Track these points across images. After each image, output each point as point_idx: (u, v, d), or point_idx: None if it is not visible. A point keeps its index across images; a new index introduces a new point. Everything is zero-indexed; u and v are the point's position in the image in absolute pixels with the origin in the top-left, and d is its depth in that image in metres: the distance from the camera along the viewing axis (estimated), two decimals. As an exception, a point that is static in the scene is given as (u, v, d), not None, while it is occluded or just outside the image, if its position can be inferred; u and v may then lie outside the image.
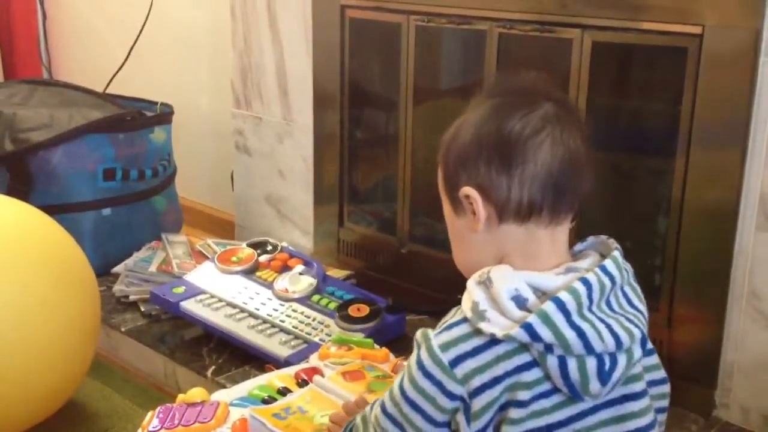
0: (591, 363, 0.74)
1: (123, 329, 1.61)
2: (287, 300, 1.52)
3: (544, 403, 0.75)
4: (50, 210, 1.45)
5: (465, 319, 0.76)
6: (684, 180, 1.29)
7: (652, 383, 0.82)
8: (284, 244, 1.69)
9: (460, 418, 0.76)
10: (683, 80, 1.27)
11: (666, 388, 0.85)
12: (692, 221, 1.29)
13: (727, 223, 1.25)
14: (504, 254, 0.79)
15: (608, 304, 0.77)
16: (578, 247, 0.82)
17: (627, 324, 0.76)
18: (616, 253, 0.80)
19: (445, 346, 0.75)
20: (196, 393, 1.06)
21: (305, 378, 1.08)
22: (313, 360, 1.15)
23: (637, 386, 0.78)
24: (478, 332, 0.74)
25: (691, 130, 1.27)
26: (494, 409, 0.75)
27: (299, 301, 1.52)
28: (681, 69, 1.27)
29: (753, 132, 1.22)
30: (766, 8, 1.17)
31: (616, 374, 0.75)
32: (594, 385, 0.74)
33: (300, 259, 1.62)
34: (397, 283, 1.70)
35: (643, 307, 0.80)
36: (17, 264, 1.27)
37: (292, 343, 1.41)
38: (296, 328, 1.45)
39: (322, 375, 1.08)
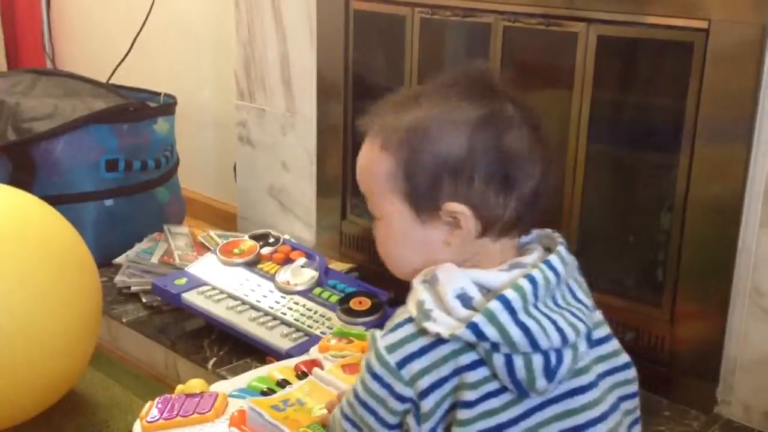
0: (537, 360, 0.73)
1: (124, 320, 1.61)
2: (289, 292, 1.52)
3: (494, 403, 0.74)
4: (52, 200, 1.45)
5: (410, 319, 0.75)
6: (688, 175, 1.29)
7: (613, 371, 0.81)
8: (286, 236, 1.69)
9: (410, 419, 0.75)
10: (689, 75, 1.26)
11: (630, 374, 0.83)
12: (696, 217, 1.29)
13: (731, 218, 1.25)
14: (462, 261, 0.78)
15: (553, 299, 0.76)
16: (524, 239, 0.82)
17: (572, 319, 0.76)
18: (561, 248, 0.79)
19: (392, 348, 0.75)
20: (195, 384, 1.06)
21: (305, 370, 1.08)
22: (313, 352, 1.15)
23: (585, 379, 0.78)
24: (423, 332, 0.74)
25: (696, 125, 1.26)
26: (443, 409, 0.75)
27: (301, 293, 1.52)
28: (686, 64, 1.26)
29: (758, 127, 1.21)
30: (772, 3, 1.16)
31: (562, 370, 0.74)
32: (540, 382, 0.74)
33: (302, 252, 1.62)
34: (398, 278, 1.70)
35: (588, 301, 0.80)
36: (19, 254, 1.27)
37: (294, 336, 1.41)
38: (297, 320, 1.45)
39: (322, 367, 1.08)
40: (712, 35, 1.22)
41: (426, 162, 0.76)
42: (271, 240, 1.67)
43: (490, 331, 0.72)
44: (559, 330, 0.74)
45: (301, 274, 1.55)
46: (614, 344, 0.82)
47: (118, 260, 1.78)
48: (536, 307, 0.74)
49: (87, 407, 1.43)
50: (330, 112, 1.79)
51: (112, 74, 2.27)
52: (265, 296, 1.52)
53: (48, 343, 1.28)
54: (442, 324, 0.73)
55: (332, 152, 1.81)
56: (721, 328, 1.28)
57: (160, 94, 2.00)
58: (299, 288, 1.52)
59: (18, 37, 2.71)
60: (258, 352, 1.42)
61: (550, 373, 0.74)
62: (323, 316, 1.46)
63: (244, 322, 1.45)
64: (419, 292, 0.76)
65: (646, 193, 1.42)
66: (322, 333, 1.39)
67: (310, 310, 1.48)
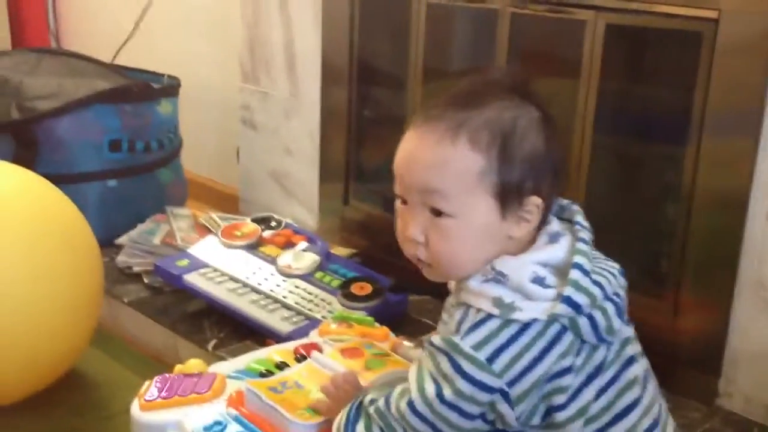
0: (609, 307, 0.80)
1: (125, 300, 1.60)
2: (290, 276, 1.52)
3: (578, 361, 0.79)
4: (56, 179, 1.44)
5: (490, 316, 0.78)
6: (695, 167, 1.28)
7: None
8: (288, 220, 1.68)
9: (501, 406, 0.79)
10: (697, 65, 1.25)
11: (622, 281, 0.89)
12: (702, 208, 1.28)
13: (737, 211, 1.24)
14: (501, 251, 0.82)
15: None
16: None
17: (609, 263, 0.85)
18: (576, 207, 0.87)
19: (478, 345, 0.78)
20: (194, 364, 1.06)
21: (304, 353, 1.08)
22: (313, 336, 1.14)
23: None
24: (508, 323, 0.77)
25: (704, 116, 1.25)
26: (541, 389, 0.79)
27: (302, 277, 1.51)
28: (695, 54, 1.25)
29: (766, 119, 1.20)
30: (784, -7, 1.15)
31: (624, 307, 0.82)
32: (616, 323, 0.80)
33: (304, 236, 1.62)
34: (400, 263, 1.69)
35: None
36: (21, 232, 1.27)
37: (294, 320, 1.41)
38: (298, 304, 1.44)
39: (321, 351, 1.08)
40: (722, 25, 1.21)
41: (519, 158, 0.80)
42: (273, 223, 1.66)
43: (581, 298, 0.77)
44: (612, 274, 0.82)
45: (302, 258, 1.54)
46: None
47: (120, 240, 1.77)
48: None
49: (87, 386, 1.43)
50: (334, 96, 1.78)
51: (116, 54, 2.26)
52: (266, 279, 1.51)
53: (49, 322, 1.28)
54: (531, 310, 0.77)
55: (335, 137, 1.80)
56: (725, 321, 1.28)
57: (163, 75, 1.99)
58: (300, 272, 1.52)
59: (23, 16, 2.70)
60: (258, 335, 1.42)
61: (620, 313, 0.81)
62: (324, 300, 1.45)
63: (245, 305, 1.45)
64: (490, 290, 0.79)
65: (652, 184, 1.41)
66: (322, 317, 1.39)
67: (311, 294, 1.47)
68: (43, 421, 1.33)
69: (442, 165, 0.80)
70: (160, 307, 1.58)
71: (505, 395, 0.78)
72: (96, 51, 2.12)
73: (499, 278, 0.79)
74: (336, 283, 1.49)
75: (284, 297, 1.46)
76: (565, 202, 0.88)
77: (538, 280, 0.79)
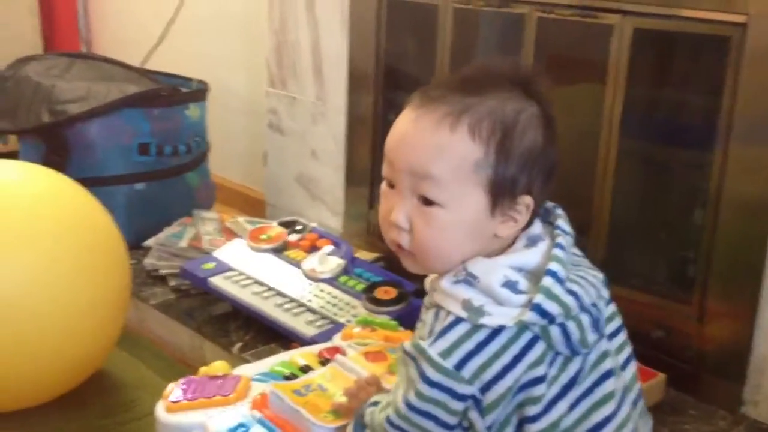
0: (585, 318, 0.76)
1: (152, 302, 1.62)
2: (315, 280, 1.52)
3: (552, 371, 0.76)
4: (85, 182, 1.46)
5: (459, 319, 0.75)
6: (722, 173, 1.27)
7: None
8: (314, 224, 1.69)
9: (472, 413, 0.76)
10: (725, 70, 1.24)
11: (613, 307, 0.84)
12: (728, 214, 1.27)
13: (764, 217, 1.23)
14: (482, 250, 0.79)
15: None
16: None
17: (591, 271, 0.80)
18: (560, 210, 0.82)
19: (446, 353, 0.75)
20: (219, 366, 1.07)
21: (328, 357, 1.08)
22: (337, 340, 1.15)
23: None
24: (477, 328, 0.74)
25: (731, 122, 1.24)
26: (511, 397, 0.76)
27: (327, 281, 1.52)
28: (723, 59, 1.24)
29: (795, 126, 1.19)
30: (814, -3, 1.14)
31: (602, 319, 0.78)
32: (591, 336, 0.77)
33: (329, 240, 1.62)
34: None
35: (579, 251, 0.83)
36: (51, 234, 1.29)
37: (318, 323, 1.41)
38: (323, 308, 1.45)
39: (345, 355, 1.08)
40: (750, 30, 1.20)
41: (516, 154, 0.76)
42: (299, 227, 1.67)
43: (552, 307, 0.74)
44: (591, 284, 0.78)
45: (327, 261, 1.55)
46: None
47: (147, 243, 1.79)
48: (570, 271, 0.77)
49: (114, 387, 1.45)
50: (360, 101, 1.79)
51: (146, 59, 2.29)
52: (291, 283, 1.52)
53: (76, 323, 1.29)
54: (500, 315, 0.74)
55: (361, 142, 1.81)
56: (750, 328, 1.26)
57: (192, 80, 2.01)
58: (325, 276, 1.52)
59: (54, 21, 2.75)
60: (283, 338, 1.43)
61: (596, 325, 0.77)
62: (348, 304, 1.46)
63: (270, 308, 1.46)
64: (460, 292, 0.76)
65: (679, 189, 1.40)
66: (347, 321, 1.39)
67: (336, 297, 1.48)
68: (70, 422, 1.35)
69: (438, 150, 0.76)
70: (186, 310, 1.59)
71: (477, 402, 0.76)
72: (126, 56, 2.15)
73: (470, 280, 0.76)
74: (360, 287, 1.50)
75: (309, 301, 1.47)
76: (549, 204, 0.83)
77: (510, 285, 0.75)
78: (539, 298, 0.74)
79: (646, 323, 1.37)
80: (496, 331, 0.74)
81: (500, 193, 0.77)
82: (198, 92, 1.97)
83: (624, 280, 1.38)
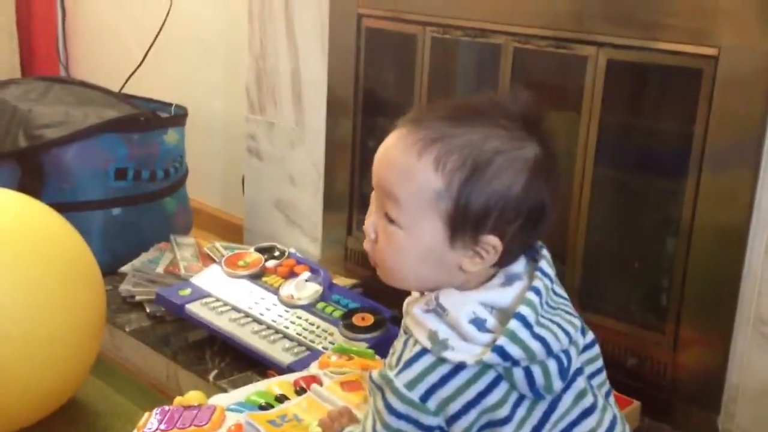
0: (552, 365, 0.75)
1: (127, 329, 1.61)
2: (292, 306, 1.52)
3: (521, 412, 0.76)
4: (61, 207, 1.46)
5: (425, 350, 0.75)
6: (695, 201, 1.28)
7: (587, 347, 0.83)
8: (292, 250, 1.69)
9: None
10: (697, 101, 1.26)
11: (595, 351, 0.84)
12: (702, 243, 1.28)
13: (737, 245, 1.24)
14: (459, 282, 0.78)
15: (547, 302, 0.78)
16: None
17: (568, 317, 0.78)
18: (545, 252, 0.81)
19: (411, 384, 0.75)
20: (194, 396, 1.06)
21: (303, 386, 1.08)
22: (313, 368, 1.15)
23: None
24: (442, 361, 0.74)
25: (704, 151, 1.26)
26: (477, 427, 0.75)
27: (304, 308, 1.52)
28: (696, 90, 1.26)
29: (766, 154, 1.21)
30: (783, 31, 1.16)
31: (573, 367, 0.77)
32: (557, 383, 0.76)
33: (307, 266, 1.62)
34: (403, 294, 1.69)
35: (564, 293, 0.82)
36: (25, 260, 1.28)
37: (295, 350, 1.41)
38: (300, 335, 1.45)
39: (321, 384, 1.08)
40: (722, 62, 1.22)
41: (482, 194, 0.75)
42: (277, 253, 1.67)
43: (515, 351, 0.73)
44: (565, 331, 0.77)
45: (305, 288, 1.55)
46: (579, 321, 0.84)
47: (123, 269, 1.78)
48: (542, 316, 0.76)
49: (87, 415, 1.43)
50: (339, 127, 1.80)
51: (125, 84, 2.28)
52: (268, 309, 1.51)
53: (50, 350, 1.28)
54: (462, 351, 0.74)
55: (340, 167, 1.81)
56: (724, 356, 1.27)
57: (171, 104, 2.01)
58: (303, 302, 1.52)
59: (33, 44, 2.74)
60: (260, 365, 1.42)
61: (563, 373, 0.76)
62: (326, 331, 1.46)
63: (247, 335, 1.45)
64: (428, 322, 0.76)
65: (652, 218, 1.42)
66: (324, 348, 1.39)
67: (313, 324, 1.48)
68: (43, 450, 1.33)
69: (404, 174, 0.76)
70: (161, 337, 1.58)
71: None
72: (105, 80, 2.15)
73: (439, 311, 0.76)
74: (338, 313, 1.50)
75: (286, 327, 1.47)
76: (537, 244, 0.82)
77: (478, 322, 0.75)
78: (503, 341, 0.73)
79: (621, 351, 1.38)
80: (460, 366, 0.74)
81: (460, 228, 0.76)
82: (177, 117, 1.97)
83: (599, 308, 1.40)
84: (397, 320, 1.50)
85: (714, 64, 1.23)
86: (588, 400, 0.80)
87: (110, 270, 1.73)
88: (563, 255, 1.43)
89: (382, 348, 1.31)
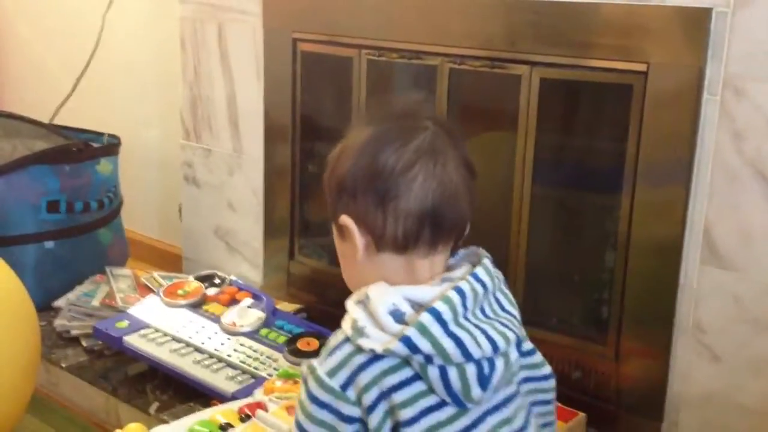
0: (470, 370, 0.75)
1: (64, 365, 1.56)
2: (235, 334, 1.50)
3: (439, 416, 0.76)
4: (-10, 242, 1.41)
5: (347, 339, 0.76)
6: (630, 216, 1.31)
7: (533, 378, 0.85)
8: (233, 277, 1.67)
9: None
10: (629, 117, 1.29)
11: (548, 384, 0.87)
12: (638, 256, 1.31)
13: (672, 257, 1.27)
14: (386, 278, 0.80)
15: (482, 310, 0.79)
16: (451, 261, 0.84)
17: (501, 328, 0.78)
18: (486, 261, 0.82)
19: (333, 372, 0.76)
20: (135, 429, 1.03)
21: (248, 413, 1.06)
22: (258, 394, 1.13)
23: (514, 387, 0.82)
24: (359, 349, 0.75)
25: (637, 166, 1.29)
26: (388, 426, 0.76)
27: (247, 335, 1.49)
28: (627, 106, 1.29)
29: (696, 168, 1.24)
30: (708, 46, 1.20)
31: (495, 378, 0.77)
32: (475, 390, 0.76)
33: (249, 293, 1.60)
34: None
35: (515, 311, 0.83)
36: (-47, 297, 1.23)
37: (239, 379, 1.38)
38: (243, 362, 1.42)
39: (266, 410, 1.06)
40: (651, 78, 1.25)
41: (331, 179, 0.82)
42: (217, 281, 1.64)
43: (423, 344, 0.73)
44: (490, 339, 0.76)
45: (247, 314, 1.53)
46: (539, 356, 0.86)
47: (58, 303, 1.73)
48: (466, 318, 0.77)
49: (23, 456, 1.38)
50: (277, 152, 1.79)
51: (55, 114, 2.24)
52: (210, 338, 1.49)
53: (-18, 390, 1.23)
54: (375, 340, 0.75)
55: (280, 193, 1.80)
56: (665, 366, 1.30)
57: (103, 134, 1.98)
58: (245, 329, 1.50)
59: (-41, 76, 2.66)
60: (203, 396, 1.39)
61: (483, 381, 0.76)
62: (270, 358, 1.44)
63: (188, 365, 1.42)
64: (352, 311, 0.78)
65: (590, 233, 1.44)
66: (268, 375, 1.37)
67: (257, 351, 1.45)
68: (-24, 494, 1.28)
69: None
70: (99, 371, 1.53)
71: (364, 427, 0.76)
72: (34, 111, 2.09)
73: (365, 301, 0.77)
74: (282, 339, 1.48)
75: (229, 356, 1.44)
76: (473, 248, 0.85)
77: (397, 314, 0.76)
78: (410, 332, 0.74)
79: (565, 364, 1.39)
80: (377, 357, 0.75)
81: (333, 217, 0.82)
82: (110, 147, 1.94)
83: (541, 322, 1.41)
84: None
85: (644, 79, 1.26)
86: (513, 427, 0.80)
87: (45, 305, 1.68)
88: (505, 271, 1.43)
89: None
